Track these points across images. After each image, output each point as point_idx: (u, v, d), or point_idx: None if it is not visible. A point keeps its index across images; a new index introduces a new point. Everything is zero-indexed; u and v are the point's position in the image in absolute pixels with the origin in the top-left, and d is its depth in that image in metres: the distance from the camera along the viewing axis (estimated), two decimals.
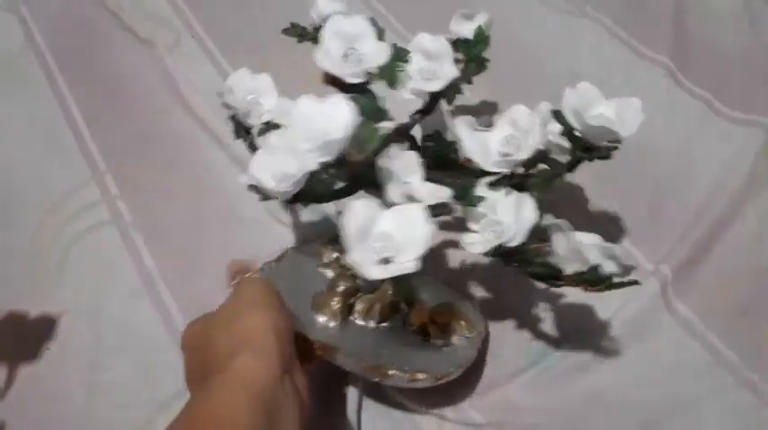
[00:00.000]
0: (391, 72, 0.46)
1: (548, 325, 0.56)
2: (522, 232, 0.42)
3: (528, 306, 0.57)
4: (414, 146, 0.49)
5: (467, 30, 0.50)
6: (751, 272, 0.58)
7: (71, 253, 0.62)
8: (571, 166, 0.47)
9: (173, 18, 0.79)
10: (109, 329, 0.58)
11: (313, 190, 0.43)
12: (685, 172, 0.64)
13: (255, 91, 0.47)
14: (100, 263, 0.61)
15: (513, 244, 0.42)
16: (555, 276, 0.43)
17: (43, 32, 0.78)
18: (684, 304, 0.57)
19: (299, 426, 0.39)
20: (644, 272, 0.58)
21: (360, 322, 0.51)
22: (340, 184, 0.47)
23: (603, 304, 0.56)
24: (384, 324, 0.52)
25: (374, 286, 0.51)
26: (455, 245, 0.56)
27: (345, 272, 0.52)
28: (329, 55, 0.46)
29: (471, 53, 0.49)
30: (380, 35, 0.48)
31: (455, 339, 0.51)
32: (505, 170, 0.44)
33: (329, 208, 0.62)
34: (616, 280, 0.42)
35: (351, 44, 0.47)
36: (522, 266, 0.44)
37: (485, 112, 0.64)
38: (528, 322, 0.56)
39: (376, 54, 0.46)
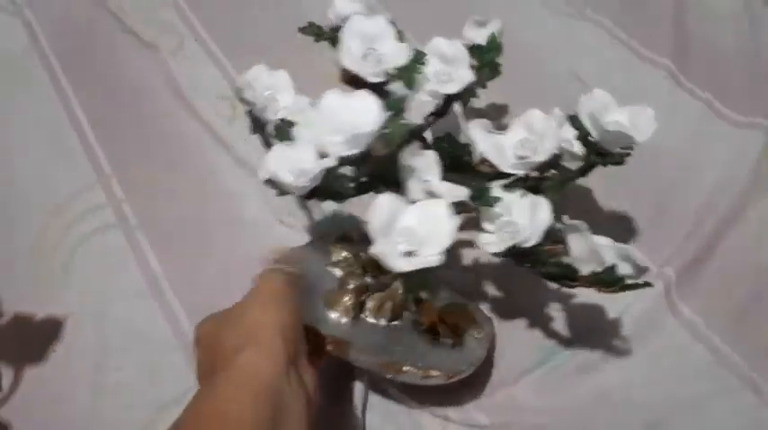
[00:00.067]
0: (410, 73, 0.46)
1: (553, 326, 0.57)
2: (537, 233, 0.43)
3: (532, 308, 0.57)
4: (426, 148, 0.49)
5: (479, 36, 0.51)
6: (753, 273, 0.58)
7: (76, 255, 0.62)
8: (584, 171, 0.48)
9: (176, 22, 0.79)
10: (114, 331, 0.58)
11: (329, 186, 0.44)
12: (687, 174, 0.64)
13: (273, 87, 0.47)
14: (105, 265, 0.61)
15: (529, 244, 0.43)
16: (570, 277, 0.43)
17: (47, 35, 0.78)
18: (688, 306, 0.57)
19: (305, 422, 0.39)
20: (648, 274, 0.58)
21: (371, 320, 0.52)
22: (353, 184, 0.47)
23: (608, 306, 0.56)
24: (395, 322, 0.52)
25: (385, 284, 0.51)
26: (462, 244, 0.57)
27: (355, 270, 0.52)
28: (350, 53, 0.47)
29: (484, 59, 0.50)
30: (400, 36, 0.49)
31: (464, 339, 0.52)
32: (522, 172, 0.45)
33: (331, 207, 0.62)
34: (628, 281, 0.43)
35: (370, 44, 0.47)
36: (535, 267, 0.44)
37: (491, 116, 0.65)
38: (532, 324, 0.57)
39: (395, 54, 0.47)
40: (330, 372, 0.52)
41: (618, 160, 0.46)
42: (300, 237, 0.58)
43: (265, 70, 0.48)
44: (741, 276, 0.58)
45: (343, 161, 0.42)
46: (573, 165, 0.48)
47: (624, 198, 0.62)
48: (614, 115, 0.46)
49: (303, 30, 0.51)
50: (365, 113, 0.42)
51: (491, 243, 0.44)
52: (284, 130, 0.44)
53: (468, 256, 0.59)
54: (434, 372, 0.49)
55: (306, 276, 0.50)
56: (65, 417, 0.54)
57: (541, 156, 0.44)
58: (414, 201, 0.42)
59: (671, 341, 0.56)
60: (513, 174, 0.45)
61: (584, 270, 0.43)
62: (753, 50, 0.73)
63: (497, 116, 0.66)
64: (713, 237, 0.60)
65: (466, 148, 0.47)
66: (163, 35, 0.78)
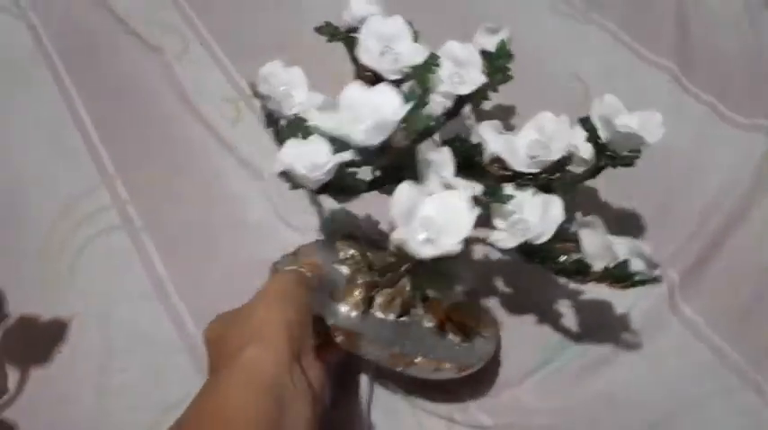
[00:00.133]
0: (425, 73, 0.47)
1: (556, 327, 0.57)
2: (549, 230, 0.43)
3: (535, 310, 0.58)
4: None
5: (490, 43, 0.52)
6: (756, 274, 0.59)
7: (82, 257, 0.62)
8: (594, 172, 0.49)
9: (181, 25, 0.80)
10: (119, 332, 0.58)
11: (342, 181, 0.44)
12: (691, 176, 0.65)
13: (288, 83, 0.48)
14: (110, 267, 0.61)
15: (541, 241, 0.43)
16: (582, 272, 0.44)
17: (51, 38, 0.78)
18: (691, 306, 0.57)
19: (310, 419, 0.39)
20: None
21: (380, 315, 0.52)
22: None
23: (611, 306, 0.57)
24: (403, 318, 0.52)
25: (393, 280, 0.51)
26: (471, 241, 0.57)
27: (362, 268, 0.53)
28: (368, 51, 0.48)
29: (495, 65, 0.51)
30: (415, 37, 0.49)
31: (472, 337, 0.52)
32: (535, 170, 0.46)
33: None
34: (639, 277, 0.44)
35: (387, 44, 0.48)
36: (545, 263, 0.45)
37: (497, 118, 0.65)
38: (536, 325, 0.57)
39: (412, 54, 0.48)
40: (334, 372, 0.52)
41: (628, 162, 0.48)
42: (305, 240, 0.59)
43: (281, 66, 0.49)
44: (744, 277, 0.59)
45: (363, 153, 0.43)
46: (580, 171, 0.49)
47: (628, 200, 0.63)
48: (624, 119, 0.47)
49: (319, 29, 0.52)
50: (387, 104, 0.43)
51: (503, 239, 0.44)
52: (298, 126, 0.45)
53: (474, 257, 0.59)
54: (446, 365, 0.49)
55: (316, 276, 0.51)
56: (70, 418, 0.54)
57: (554, 155, 0.45)
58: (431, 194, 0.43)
59: (674, 341, 0.56)
60: (523, 177, 0.46)
61: (597, 265, 0.44)
62: (755, 52, 0.74)
63: (504, 118, 0.66)
64: (716, 238, 0.60)
65: (477, 148, 0.47)
66: (168, 39, 0.78)
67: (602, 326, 0.57)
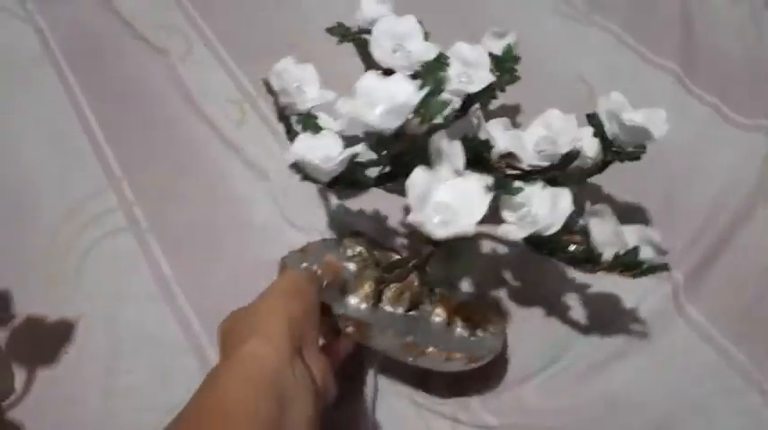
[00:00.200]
0: (435, 70, 0.48)
1: (560, 328, 0.57)
2: (558, 221, 0.44)
3: (538, 310, 0.58)
4: None
5: (496, 47, 0.53)
6: (760, 275, 0.59)
7: (88, 258, 0.62)
8: (601, 167, 0.50)
9: (184, 26, 0.80)
10: (125, 333, 0.58)
11: (352, 174, 0.45)
12: (694, 177, 0.65)
13: (300, 79, 0.49)
14: (116, 268, 0.61)
15: (550, 232, 0.44)
16: (592, 260, 0.44)
17: (58, 41, 0.79)
18: (695, 308, 0.57)
19: (312, 413, 0.39)
20: (656, 276, 0.58)
21: (389, 308, 0.52)
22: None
23: (615, 306, 0.57)
24: (412, 312, 0.52)
25: (401, 276, 0.51)
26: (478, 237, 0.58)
27: (369, 264, 0.53)
28: (381, 48, 0.49)
29: (502, 68, 0.51)
30: (426, 37, 0.50)
31: (479, 332, 0.52)
32: (545, 163, 0.46)
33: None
34: (648, 264, 0.44)
35: (399, 42, 0.49)
36: (554, 254, 0.46)
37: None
38: (539, 326, 0.57)
39: (423, 52, 0.49)
40: (339, 370, 0.52)
41: (635, 156, 0.48)
42: (310, 241, 0.59)
43: (293, 62, 0.50)
44: (748, 277, 0.59)
45: (377, 140, 0.43)
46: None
47: (631, 201, 0.63)
48: (630, 114, 0.48)
49: (330, 30, 0.53)
50: (403, 90, 0.44)
51: (512, 231, 0.45)
52: (310, 121, 0.45)
53: (479, 255, 0.60)
54: (457, 355, 0.49)
55: (330, 274, 0.51)
56: (77, 419, 0.54)
57: (561, 149, 0.46)
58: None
59: (678, 342, 0.56)
60: (530, 173, 0.47)
61: (607, 253, 0.44)
62: (757, 54, 0.74)
63: (509, 117, 0.66)
64: (720, 239, 0.60)
65: (486, 144, 0.48)
66: (172, 40, 0.78)
67: (606, 327, 0.57)
